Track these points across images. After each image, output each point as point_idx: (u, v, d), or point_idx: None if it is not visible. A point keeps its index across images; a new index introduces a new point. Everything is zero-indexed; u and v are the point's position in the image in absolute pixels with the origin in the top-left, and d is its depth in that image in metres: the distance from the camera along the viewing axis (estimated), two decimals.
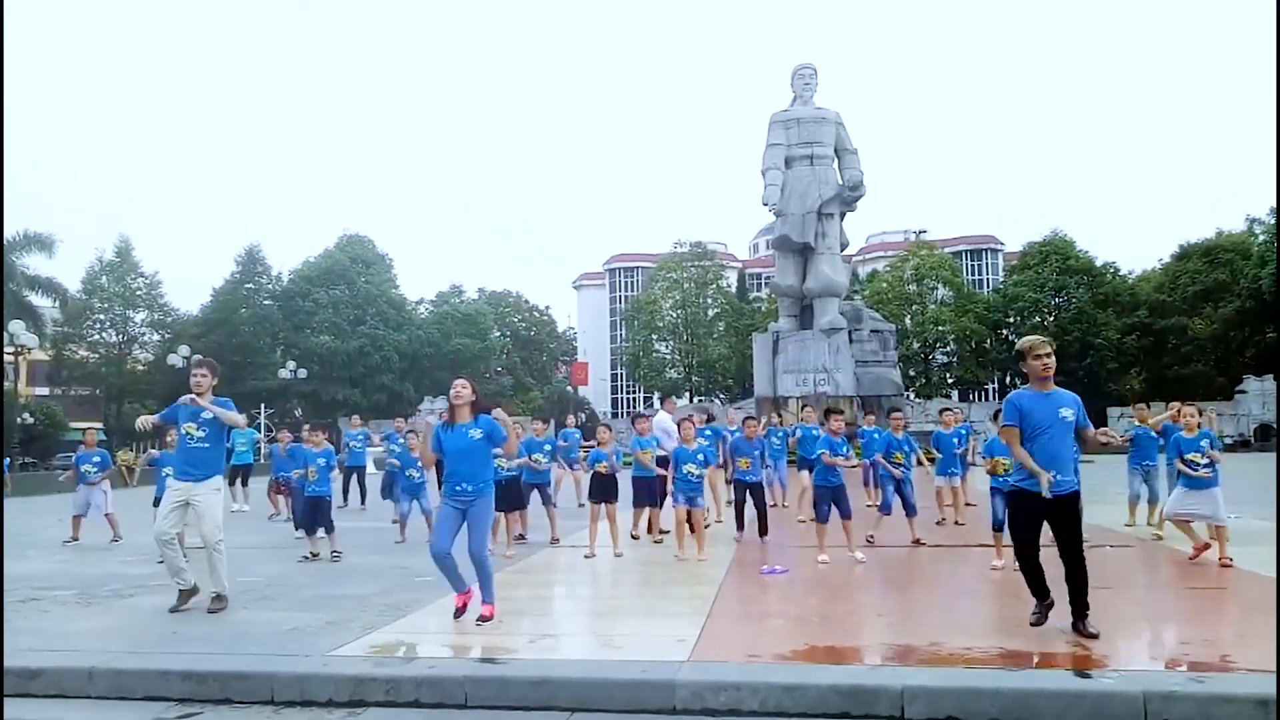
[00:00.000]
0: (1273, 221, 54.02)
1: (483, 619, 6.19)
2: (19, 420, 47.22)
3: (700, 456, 9.38)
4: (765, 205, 38.51)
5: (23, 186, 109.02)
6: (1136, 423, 11.30)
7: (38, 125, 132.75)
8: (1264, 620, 6.26)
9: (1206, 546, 8.50)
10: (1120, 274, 64.53)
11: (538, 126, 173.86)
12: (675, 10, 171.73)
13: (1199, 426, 8.73)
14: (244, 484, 16.89)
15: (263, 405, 51.51)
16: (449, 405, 6.52)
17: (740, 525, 10.50)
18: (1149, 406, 12.76)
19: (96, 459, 12.36)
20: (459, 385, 6.53)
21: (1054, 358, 5.73)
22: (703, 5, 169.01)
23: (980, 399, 66.85)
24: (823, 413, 10.61)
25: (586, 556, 9.42)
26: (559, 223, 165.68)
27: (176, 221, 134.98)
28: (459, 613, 6.33)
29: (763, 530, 10.37)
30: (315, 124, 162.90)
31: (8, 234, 40.17)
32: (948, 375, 67.32)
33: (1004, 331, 64.83)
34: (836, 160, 38.23)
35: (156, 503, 10.54)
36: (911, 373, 62.84)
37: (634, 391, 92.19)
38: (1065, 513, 5.57)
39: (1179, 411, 9.08)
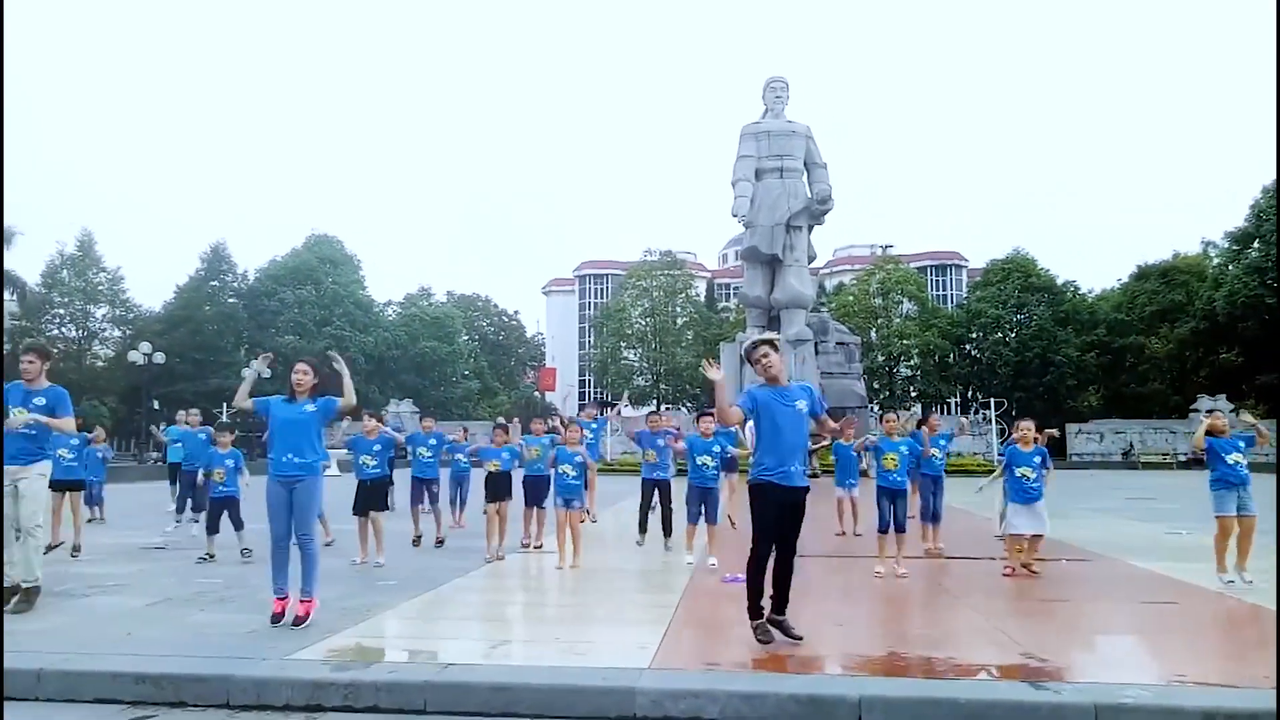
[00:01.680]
0: (1226, 245, 55.39)
1: (298, 619, 6.14)
2: None
3: (577, 459, 9.44)
4: (735, 216, 38.82)
5: (35, 186, 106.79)
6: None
7: (54, 127, 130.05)
8: (1213, 634, 6.43)
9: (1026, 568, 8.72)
10: (1080, 293, 65.84)
11: (511, 132, 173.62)
12: (648, 21, 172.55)
13: (1035, 442, 8.99)
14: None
15: (224, 405, 50.74)
16: (289, 387, 6.53)
17: (642, 527, 10.45)
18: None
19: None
20: (300, 370, 6.54)
21: (770, 357, 5.85)
22: (676, 16, 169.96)
23: (942, 412, 67.68)
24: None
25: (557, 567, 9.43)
26: (529, 228, 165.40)
27: (142, 217, 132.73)
28: (276, 619, 6.21)
29: (666, 531, 10.38)
30: (286, 123, 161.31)
31: None
32: (911, 389, 68.09)
33: (967, 346, 65.81)
34: (806, 174, 38.63)
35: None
36: (875, 385, 63.46)
37: (602, 398, 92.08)
38: (798, 507, 5.77)
39: (1016, 427, 9.26)
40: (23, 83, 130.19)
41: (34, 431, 6.94)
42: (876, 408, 55.52)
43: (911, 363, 66.89)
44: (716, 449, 9.53)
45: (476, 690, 4.77)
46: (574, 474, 9.34)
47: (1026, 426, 9.03)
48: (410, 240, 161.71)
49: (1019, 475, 8.79)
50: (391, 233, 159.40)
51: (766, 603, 5.77)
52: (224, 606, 6.99)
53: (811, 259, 40.45)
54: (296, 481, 6.27)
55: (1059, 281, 64.45)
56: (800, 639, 5.62)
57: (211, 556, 9.70)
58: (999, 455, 10.40)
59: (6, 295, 45.40)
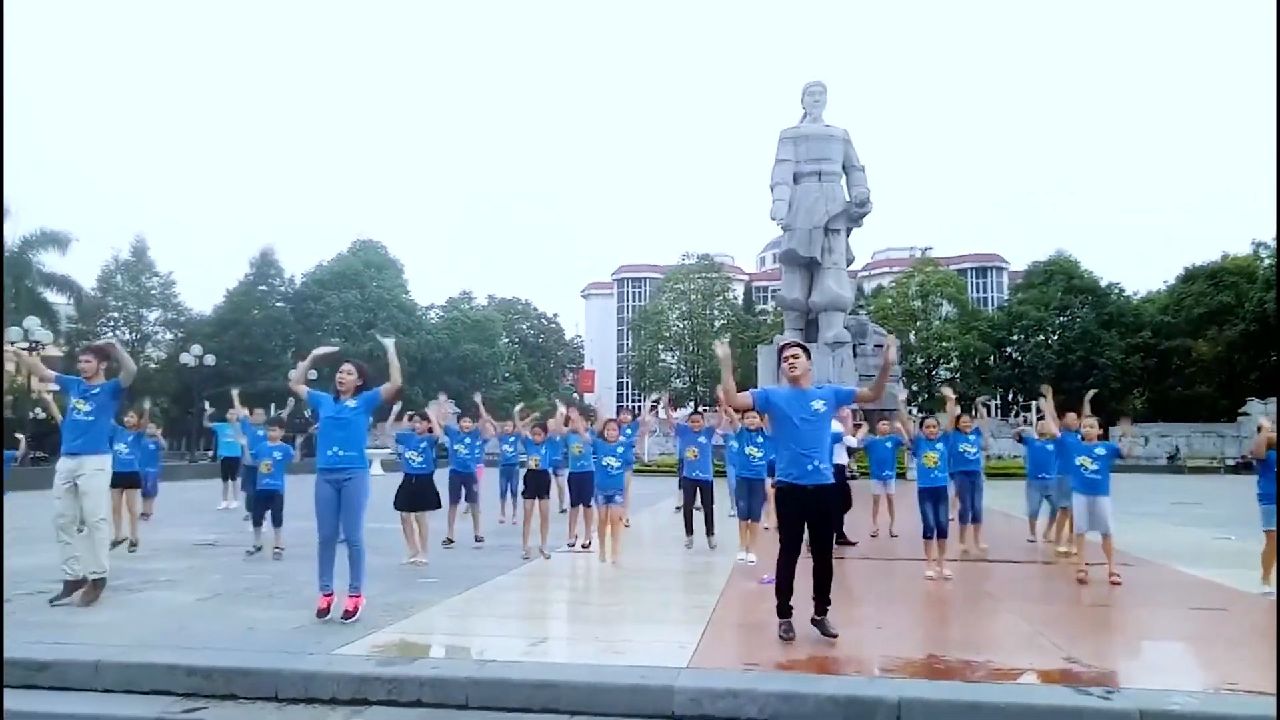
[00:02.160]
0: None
1: (346, 614, 6.24)
2: (30, 415, 47.37)
3: (619, 449, 9.45)
4: (773, 220, 38.65)
5: (35, 186, 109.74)
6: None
7: (53, 127, 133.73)
8: (1263, 643, 6.30)
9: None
10: (1124, 294, 64.52)
11: (549, 137, 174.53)
12: (687, 26, 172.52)
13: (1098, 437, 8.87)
14: (233, 479, 15.99)
15: (272, 405, 51.67)
16: (334, 387, 6.63)
17: (689, 529, 10.42)
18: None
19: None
20: (345, 371, 6.67)
21: (798, 358, 5.93)
22: (714, 21, 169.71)
23: (973, 414, 66.62)
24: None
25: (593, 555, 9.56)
26: (569, 233, 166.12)
27: (191, 224, 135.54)
28: (322, 614, 6.31)
29: (709, 530, 10.36)
30: (330, 130, 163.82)
31: (25, 231, 40.49)
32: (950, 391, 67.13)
33: (1007, 349, 64.76)
34: (844, 177, 38.39)
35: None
36: (914, 388, 62.76)
37: (640, 400, 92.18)
38: (828, 505, 5.80)
39: (1068, 419, 9.26)
40: (75, 98, 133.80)
41: (91, 420, 7.11)
42: (915, 410, 54.94)
43: (951, 365, 66.07)
44: (761, 439, 9.38)
45: (517, 687, 4.83)
46: (617, 465, 9.36)
47: (1090, 423, 8.94)
48: (452, 246, 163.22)
49: (1078, 464, 8.63)
50: (434, 239, 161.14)
51: (800, 603, 5.77)
52: (271, 602, 7.15)
53: (850, 262, 40.13)
54: (345, 479, 6.38)
55: (1103, 283, 63.25)
56: (835, 636, 5.65)
57: (259, 549, 9.90)
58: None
59: (64, 299, 46.62)
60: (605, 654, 5.54)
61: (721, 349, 6.02)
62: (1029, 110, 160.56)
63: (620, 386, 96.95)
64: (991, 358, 64.65)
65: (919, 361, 64.48)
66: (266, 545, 10.04)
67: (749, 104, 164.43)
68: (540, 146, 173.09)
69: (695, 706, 4.62)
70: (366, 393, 6.62)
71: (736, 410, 7.14)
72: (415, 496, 9.75)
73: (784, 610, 5.81)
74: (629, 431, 12.24)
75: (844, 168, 38.31)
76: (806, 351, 5.99)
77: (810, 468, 5.73)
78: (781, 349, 6.03)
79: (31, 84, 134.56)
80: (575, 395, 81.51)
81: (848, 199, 37.87)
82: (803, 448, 5.76)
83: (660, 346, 73.55)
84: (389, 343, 7.02)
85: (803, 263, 37.66)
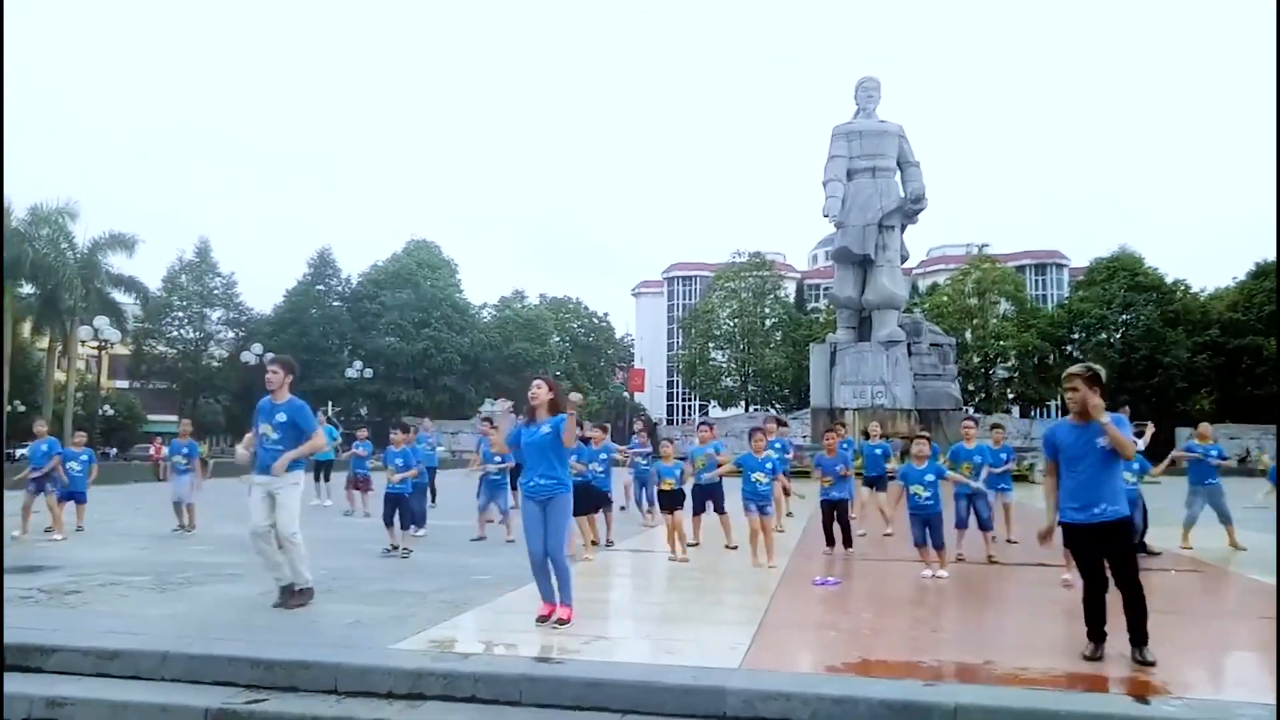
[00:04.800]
0: None
1: (560, 621, 6.24)
2: (100, 411, 49.05)
3: (769, 465, 9.49)
4: (825, 216, 38.33)
5: (107, 190, 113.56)
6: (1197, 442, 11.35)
7: (128, 134, 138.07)
8: None
9: None
10: (1191, 291, 62.64)
11: (603, 138, 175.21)
12: (739, 23, 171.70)
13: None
14: (326, 479, 17.52)
15: (329, 403, 52.81)
16: (527, 406, 6.55)
17: (829, 541, 10.41)
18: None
19: (186, 449, 12.79)
20: (535, 385, 6.57)
21: (1079, 391, 5.54)
22: (767, 17, 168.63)
23: (1042, 416, 65.35)
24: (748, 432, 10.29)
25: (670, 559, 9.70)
26: (619, 231, 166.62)
27: (255, 226, 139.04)
28: (543, 619, 6.31)
29: (847, 543, 10.37)
30: (385, 134, 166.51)
31: (95, 233, 41.92)
32: (1008, 391, 65.90)
33: (1068, 348, 63.26)
34: (899, 173, 37.88)
35: None
36: (971, 388, 61.68)
37: (689, 399, 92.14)
38: (1110, 540, 5.50)
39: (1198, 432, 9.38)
40: (148, 107, 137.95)
41: (281, 447, 7.01)
42: (972, 410, 54.02)
43: (1009, 364, 64.83)
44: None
45: (570, 684, 4.87)
46: (765, 480, 9.44)
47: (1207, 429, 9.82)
48: (505, 245, 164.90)
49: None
50: (487, 238, 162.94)
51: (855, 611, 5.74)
52: (330, 597, 7.29)
53: (904, 259, 39.58)
54: (548, 499, 6.38)
55: (1168, 280, 61.44)
56: (1152, 663, 5.32)
57: (395, 549, 10.10)
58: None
59: (131, 299, 48.14)
60: (657, 653, 5.55)
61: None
62: (1090, 103, 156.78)
63: (670, 385, 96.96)
64: (1051, 356, 63.21)
65: (975, 360, 63.34)
66: (322, 545, 10.23)
67: (801, 100, 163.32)
68: (593, 147, 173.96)
69: (747, 708, 4.60)
70: (554, 418, 6.45)
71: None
72: (587, 501, 10.00)
73: (1092, 634, 5.58)
74: (778, 445, 12.28)
75: (899, 163, 37.86)
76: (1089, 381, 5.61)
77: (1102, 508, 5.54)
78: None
79: (103, 90, 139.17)
80: (626, 394, 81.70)
81: (902, 195, 37.37)
82: (1081, 484, 5.56)
83: (711, 345, 73.33)
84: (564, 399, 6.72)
85: (856, 260, 37.27)
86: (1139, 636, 5.41)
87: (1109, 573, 5.50)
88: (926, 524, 8.77)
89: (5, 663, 5.22)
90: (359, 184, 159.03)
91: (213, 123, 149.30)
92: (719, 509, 10.47)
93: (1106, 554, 5.51)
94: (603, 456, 10.87)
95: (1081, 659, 5.41)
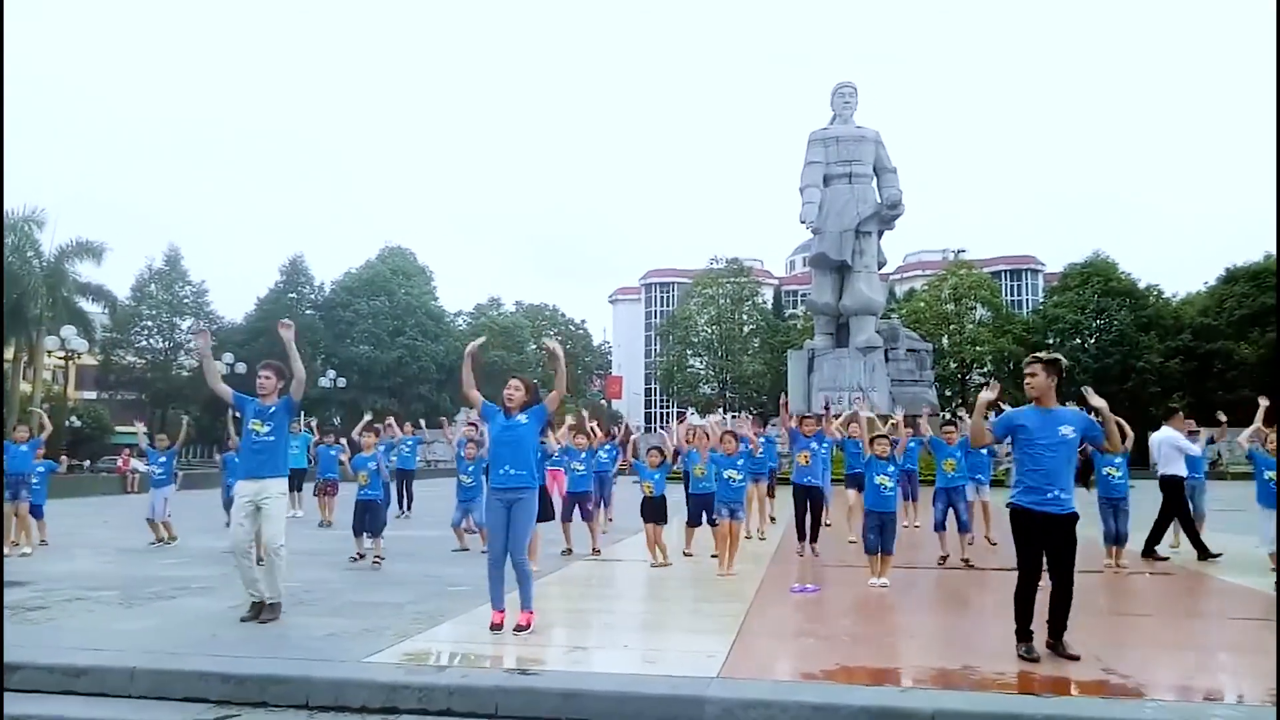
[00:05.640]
0: None
1: (519, 627, 6.21)
2: (67, 423, 48.32)
3: (740, 461, 9.49)
4: (803, 223, 38.48)
5: (71, 196, 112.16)
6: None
7: (89, 137, 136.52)
8: None
9: None
10: (1164, 296, 63.49)
11: (576, 142, 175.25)
12: (714, 27, 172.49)
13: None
14: (298, 489, 16.76)
15: (302, 413, 52.32)
16: (503, 406, 6.50)
17: (801, 535, 10.33)
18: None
19: (163, 460, 12.60)
20: (513, 386, 6.52)
21: (1038, 376, 5.88)
22: (741, 23, 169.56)
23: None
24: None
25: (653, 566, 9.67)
26: (596, 238, 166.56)
27: (224, 233, 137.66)
28: (495, 628, 6.30)
29: (813, 538, 10.32)
30: (357, 138, 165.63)
31: (60, 241, 41.26)
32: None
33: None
34: (876, 179, 38.15)
35: (226, 506, 10.93)
36: (948, 392, 62.13)
37: (667, 406, 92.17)
38: (1057, 531, 5.58)
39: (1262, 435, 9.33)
40: (112, 108, 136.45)
41: (273, 435, 6.93)
42: (949, 415, 54.41)
43: (985, 370, 65.35)
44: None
45: (547, 696, 4.82)
46: (739, 478, 9.47)
47: (1270, 430, 9.07)
48: (480, 252, 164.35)
49: (1267, 479, 8.82)
50: (462, 245, 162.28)
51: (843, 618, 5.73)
52: (303, 610, 7.19)
53: (881, 265, 39.85)
54: (516, 498, 6.29)
55: (1141, 285, 62.28)
56: (1076, 657, 5.47)
57: (360, 557, 10.01)
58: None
59: (99, 308, 47.48)
60: (636, 663, 5.51)
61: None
62: (1064, 109, 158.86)
63: (648, 393, 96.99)
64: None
65: (952, 366, 63.84)
66: (300, 555, 10.11)
67: (777, 106, 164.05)
68: (568, 153, 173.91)
69: (727, 717, 4.57)
70: (534, 409, 6.44)
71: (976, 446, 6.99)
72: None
73: (1023, 634, 5.65)
74: (762, 440, 12.30)
75: (875, 169, 38.10)
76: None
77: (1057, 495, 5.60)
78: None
79: (73, 96, 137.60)
80: (603, 401, 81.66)
81: (879, 201, 37.64)
82: (1045, 472, 5.63)
83: (688, 352, 73.45)
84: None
85: (833, 266, 37.46)
86: (1060, 629, 5.57)
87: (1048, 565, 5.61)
88: (881, 526, 8.57)
89: None
90: (333, 191, 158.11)
91: (213, 123, 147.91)
92: (711, 521, 10.36)
93: (1050, 545, 5.59)
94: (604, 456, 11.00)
95: (1019, 659, 5.46)
